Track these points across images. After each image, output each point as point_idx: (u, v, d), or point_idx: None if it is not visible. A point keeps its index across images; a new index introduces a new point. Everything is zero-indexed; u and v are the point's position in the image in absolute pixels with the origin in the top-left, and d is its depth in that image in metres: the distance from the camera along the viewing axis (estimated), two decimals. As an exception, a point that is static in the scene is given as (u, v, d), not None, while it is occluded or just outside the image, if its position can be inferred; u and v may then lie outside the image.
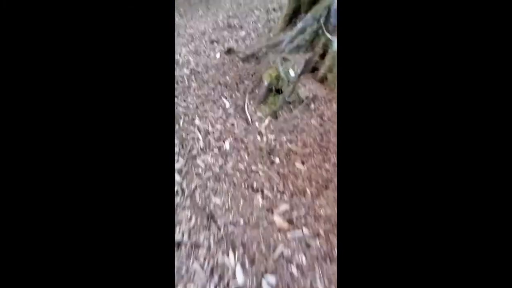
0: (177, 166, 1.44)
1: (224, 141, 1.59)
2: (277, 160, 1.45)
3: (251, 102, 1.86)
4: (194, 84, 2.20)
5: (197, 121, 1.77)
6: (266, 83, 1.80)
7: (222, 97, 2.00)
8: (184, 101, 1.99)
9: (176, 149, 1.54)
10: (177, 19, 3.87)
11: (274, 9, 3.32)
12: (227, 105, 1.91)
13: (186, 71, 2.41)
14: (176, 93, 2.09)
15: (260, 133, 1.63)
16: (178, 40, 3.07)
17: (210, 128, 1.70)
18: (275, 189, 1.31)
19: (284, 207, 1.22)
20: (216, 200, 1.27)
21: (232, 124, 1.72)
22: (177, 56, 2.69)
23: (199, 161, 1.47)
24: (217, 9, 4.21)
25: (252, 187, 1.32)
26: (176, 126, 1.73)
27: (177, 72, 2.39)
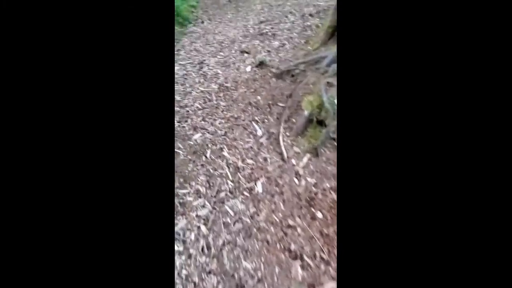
0: (203, 212, 1.25)
1: (255, 182, 1.38)
2: (319, 215, 1.21)
3: (287, 132, 1.62)
4: (222, 104, 2.00)
5: (225, 153, 1.57)
6: (306, 112, 1.54)
7: (253, 122, 1.78)
8: (212, 124, 1.80)
9: (203, 190, 1.36)
10: (206, 23, 3.69)
11: (311, 15, 2.99)
12: (259, 132, 1.69)
13: (214, 86, 2.22)
14: (203, 113, 1.91)
15: (297, 174, 1.39)
16: (206, 49, 2.89)
17: (240, 163, 1.49)
18: (317, 256, 1.07)
19: (330, 285, 0.99)
20: (247, 264, 1.06)
21: (265, 159, 1.50)
22: (205, 68, 2.51)
23: (227, 207, 1.27)
24: (247, 11, 3.96)
25: (289, 250, 1.10)
26: (203, 158, 1.55)
27: (204, 87, 2.22)
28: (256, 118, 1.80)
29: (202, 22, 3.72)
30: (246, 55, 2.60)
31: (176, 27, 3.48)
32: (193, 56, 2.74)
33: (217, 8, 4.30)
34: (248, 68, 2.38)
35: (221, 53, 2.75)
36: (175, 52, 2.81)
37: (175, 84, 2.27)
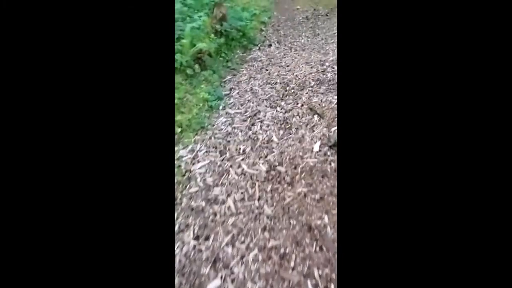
0: None
1: None
2: None
3: None
4: (266, 210, 1.27)
5: None
6: None
7: (309, 281, 1.01)
8: (241, 260, 1.08)
9: None
10: (273, 47, 2.95)
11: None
12: (316, 316, 0.92)
13: (262, 167, 1.50)
14: (234, 227, 1.21)
15: None
16: (265, 91, 2.16)
17: None
18: None
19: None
20: None
21: None
22: (257, 126, 1.80)
23: None
24: (326, 37, 3.05)
25: None
26: None
27: (249, 166, 1.52)
28: (315, 273, 1.02)
29: (269, 46, 3.00)
30: (316, 118, 1.78)
31: (238, 51, 2.86)
32: (247, 101, 2.06)
33: (290, 27, 3.50)
34: (316, 147, 1.57)
35: (283, 104, 1.99)
36: (228, 92, 2.19)
37: (213, 150, 1.64)
